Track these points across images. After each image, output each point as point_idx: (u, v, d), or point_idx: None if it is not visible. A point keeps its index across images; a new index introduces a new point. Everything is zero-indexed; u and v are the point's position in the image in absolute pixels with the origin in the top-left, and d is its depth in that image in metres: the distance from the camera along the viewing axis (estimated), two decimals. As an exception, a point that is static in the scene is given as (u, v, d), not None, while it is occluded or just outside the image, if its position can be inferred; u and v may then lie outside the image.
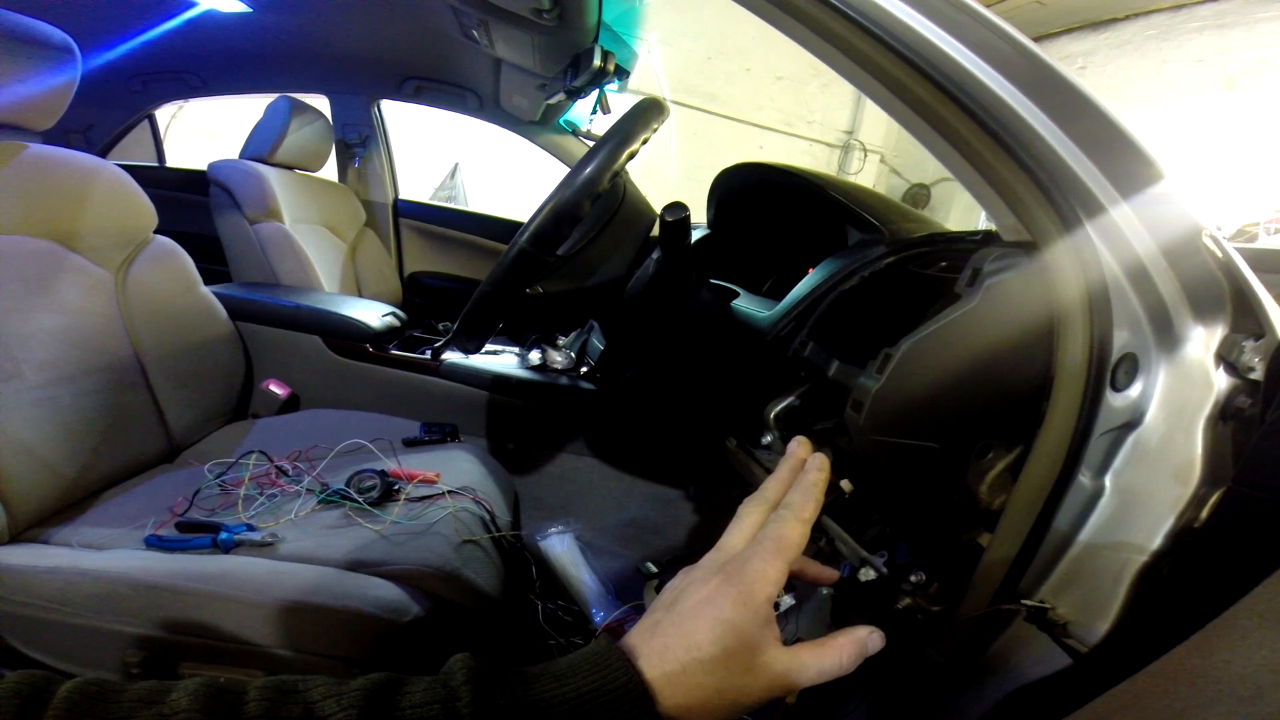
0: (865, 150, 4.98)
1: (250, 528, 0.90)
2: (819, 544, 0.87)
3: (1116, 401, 0.54)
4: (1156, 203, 0.54)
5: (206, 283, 1.30)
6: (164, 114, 2.63)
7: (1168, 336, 0.54)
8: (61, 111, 1.02)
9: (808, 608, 1.00)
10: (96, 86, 2.03)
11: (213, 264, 1.62)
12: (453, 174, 4.31)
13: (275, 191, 1.84)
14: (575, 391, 1.38)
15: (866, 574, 0.75)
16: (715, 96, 4.57)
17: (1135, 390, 0.55)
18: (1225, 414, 0.53)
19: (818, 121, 4.95)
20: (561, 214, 0.75)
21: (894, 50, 0.55)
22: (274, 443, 1.13)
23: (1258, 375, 0.52)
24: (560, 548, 1.27)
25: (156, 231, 1.22)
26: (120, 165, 1.16)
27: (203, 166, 1.92)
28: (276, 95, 1.98)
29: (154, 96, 2.39)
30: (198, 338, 1.24)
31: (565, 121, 2.26)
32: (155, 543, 0.86)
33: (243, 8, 1.90)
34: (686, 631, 0.38)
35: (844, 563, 0.84)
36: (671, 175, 3.05)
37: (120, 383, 1.07)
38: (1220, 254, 0.54)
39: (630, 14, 1.75)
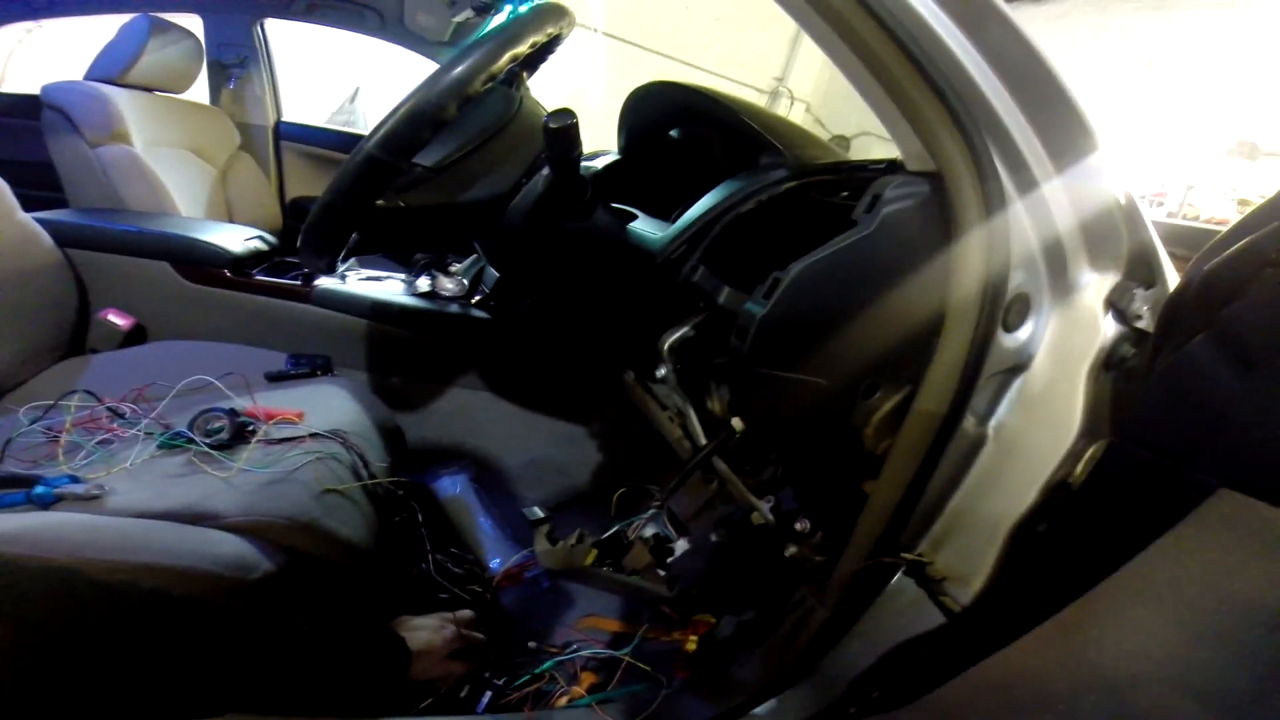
0: (793, 98, 5.02)
1: (74, 479, 0.78)
2: (710, 485, 0.85)
3: (1006, 342, 0.53)
4: (1071, 144, 0.52)
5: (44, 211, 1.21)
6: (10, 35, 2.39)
7: (1062, 279, 0.53)
8: None
9: (704, 555, 1.00)
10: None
11: (49, 192, 1.58)
12: (353, 98, 4.03)
13: (123, 114, 1.75)
14: (468, 321, 1.29)
15: (758, 519, 0.73)
16: (651, 33, 4.45)
17: (1025, 332, 0.54)
18: (1109, 363, 0.53)
19: (749, 65, 4.92)
20: (420, 116, 0.65)
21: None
22: (112, 381, 1.00)
23: (1145, 324, 0.53)
24: (453, 490, 1.20)
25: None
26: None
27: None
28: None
29: None
30: (15, 267, 1.12)
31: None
32: (-48, 501, 0.73)
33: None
34: None
35: (737, 504, 0.83)
36: (597, 111, 2.91)
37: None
38: (1123, 201, 0.53)
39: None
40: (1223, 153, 3.05)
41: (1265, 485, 0.31)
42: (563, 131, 0.69)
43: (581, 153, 0.74)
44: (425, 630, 0.78)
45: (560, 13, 0.82)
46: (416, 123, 0.65)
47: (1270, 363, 0.33)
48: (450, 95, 0.65)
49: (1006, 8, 0.52)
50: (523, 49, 0.74)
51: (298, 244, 0.75)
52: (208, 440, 0.83)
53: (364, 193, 0.68)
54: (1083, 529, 0.45)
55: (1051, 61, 0.52)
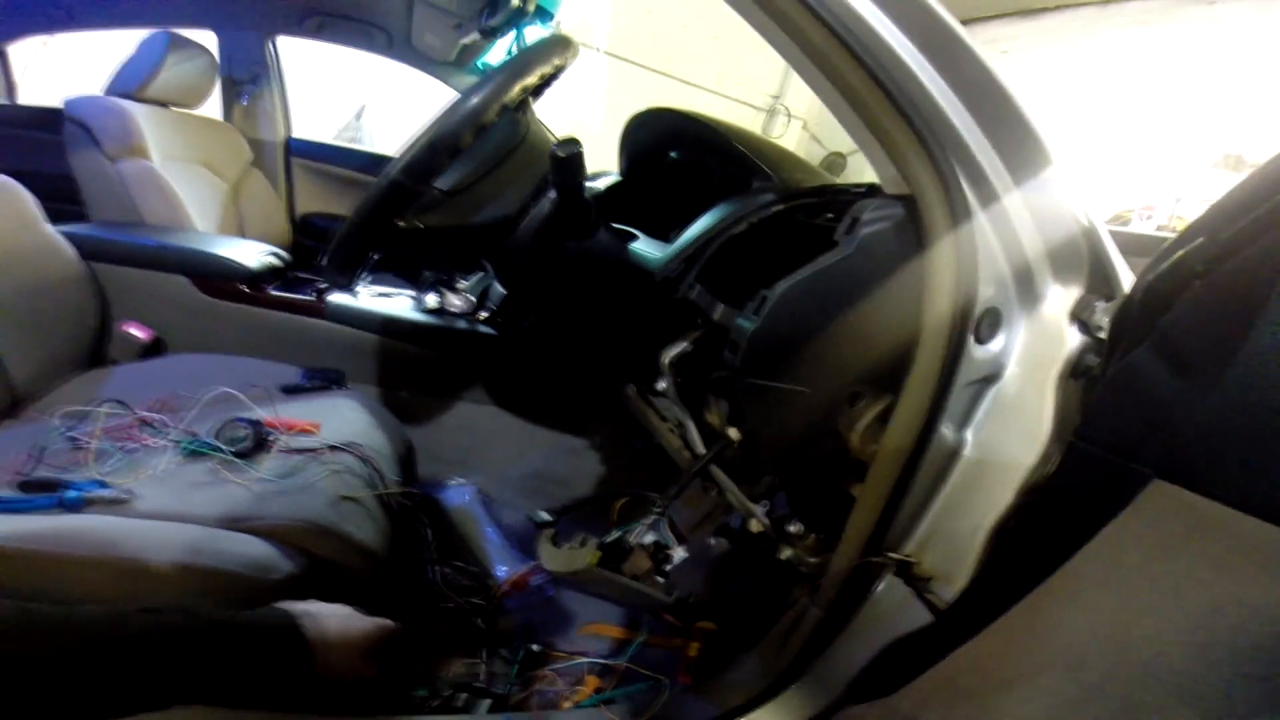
0: (789, 115, 5.05)
1: (102, 484, 0.82)
2: (710, 493, 0.88)
3: (978, 354, 0.56)
4: (1031, 166, 0.56)
5: (64, 224, 1.22)
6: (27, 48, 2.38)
7: (1029, 294, 0.56)
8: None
9: (704, 562, 1.03)
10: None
11: (70, 205, 1.56)
12: (358, 116, 4.08)
13: (142, 128, 1.76)
14: (474, 336, 1.33)
15: (755, 526, 0.77)
16: (650, 51, 4.49)
17: (996, 344, 0.58)
18: (1075, 371, 0.56)
19: (747, 83, 4.96)
20: (439, 144, 0.71)
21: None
22: (134, 391, 1.03)
23: (1105, 334, 0.56)
24: (459, 501, 1.23)
25: (7, 172, 1.13)
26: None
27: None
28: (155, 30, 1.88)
29: (10, 29, 2.18)
30: (39, 279, 1.14)
31: (482, 64, 2.17)
32: (-9, 503, 0.77)
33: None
34: None
35: (735, 513, 0.86)
36: (598, 128, 2.96)
37: (-58, 328, 0.95)
38: (1082, 219, 0.57)
39: (557, -49, 1.68)
40: (1209, 165, 3.08)
41: (1193, 475, 0.35)
42: (569, 160, 0.74)
43: (585, 177, 0.79)
44: (333, 619, 0.69)
45: (565, 44, 0.87)
46: (436, 150, 0.71)
47: (1199, 366, 0.37)
48: (467, 125, 0.71)
49: (968, 36, 0.56)
50: (532, 80, 0.79)
51: (321, 261, 0.80)
52: (231, 448, 0.87)
53: (387, 214, 0.73)
54: (1044, 522, 0.49)
55: (1008, 85, 0.56)
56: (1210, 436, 0.34)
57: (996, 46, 3.99)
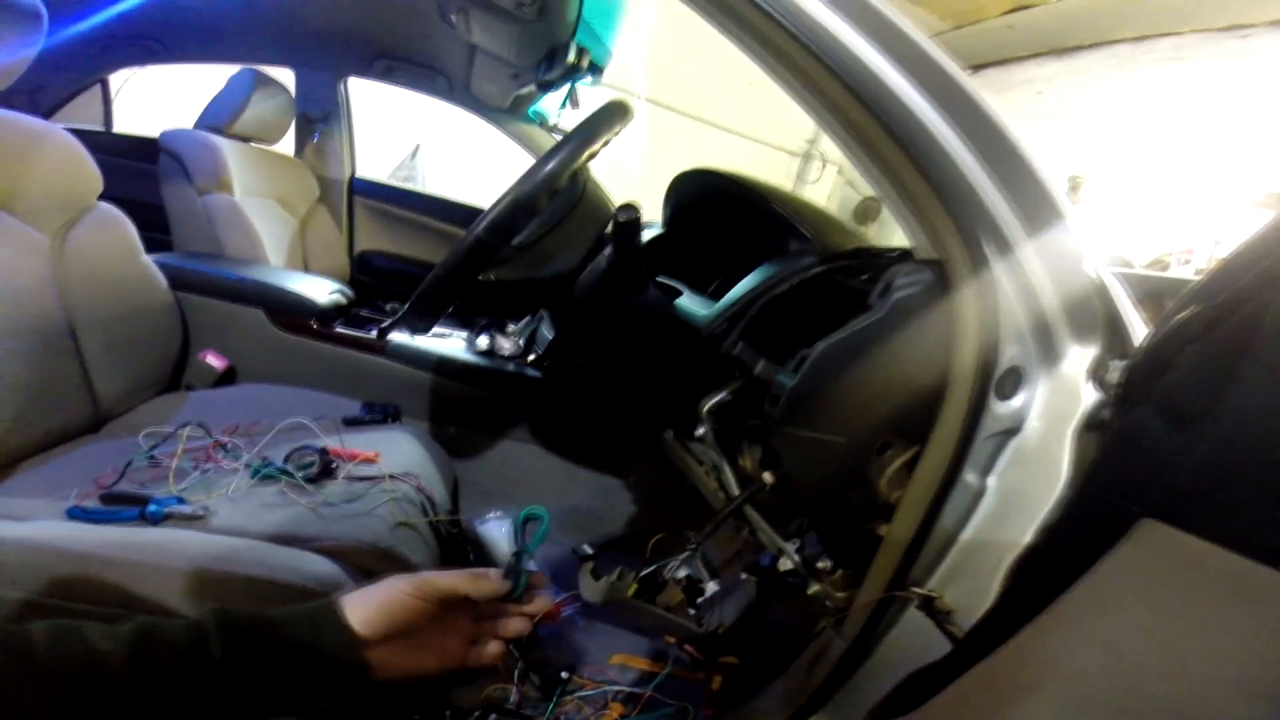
0: (824, 161, 5.09)
1: (180, 500, 0.89)
2: (742, 533, 0.92)
3: (1000, 409, 0.59)
4: (1050, 231, 0.59)
5: (149, 252, 1.27)
6: (116, 78, 2.51)
7: (1049, 352, 0.59)
8: (18, 76, 1.00)
9: (733, 597, 1.06)
10: (49, 47, 1.94)
11: (155, 233, 1.59)
12: (413, 155, 4.23)
13: (228, 163, 1.83)
14: (521, 379, 1.39)
15: (784, 563, 0.80)
16: (687, 97, 4.58)
17: (1018, 400, 0.61)
18: (1091, 424, 0.58)
19: (782, 129, 5.03)
20: (519, 206, 0.78)
21: (830, 67, 0.59)
22: (208, 416, 1.11)
23: (1117, 392, 0.59)
24: (499, 533, 1.28)
25: (101, 198, 1.19)
26: (67, 129, 1.13)
27: (153, 134, 1.90)
28: (240, 66, 1.96)
29: (109, 61, 2.29)
30: (134, 305, 1.22)
31: (534, 112, 2.26)
32: (78, 514, 0.84)
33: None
34: (368, 597, 0.52)
35: (765, 552, 0.89)
36: (638, 171, 3.06)
37: (48, 347, 1.04)
38: (1097, 279, 0.60)
39: (610, 12, 1.76)
40: (1250, 205, 2.97)
41: (1179, 514, 0.39)
42: (628, 224, 0.81)
43: (641, 240, 0.86)
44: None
45: (625, 112, 0.94)
46: (517, 212, 0.79)
47: (1192, 422, 0.40)
48: (543, 189, 0.79)
49: (984, 98, 0.59)
50: (598, 147, 0.87)
51: (404, 309, 0.87)
52: (301, 473, 0.94)
53: (470, 269, 0.81)
54: (1052, 555, 0.52)
55: (1026, 148, 0.59)
56: (1196, 482, 0.38)
57: (1032, 88, 3.95)
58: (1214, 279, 0.45)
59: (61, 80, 2.26)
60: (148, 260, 1.27)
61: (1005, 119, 0.60)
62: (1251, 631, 0.34)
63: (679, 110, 4.64)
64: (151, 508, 0.85)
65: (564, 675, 0.98)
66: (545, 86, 1.91)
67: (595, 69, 1.88)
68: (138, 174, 1.93)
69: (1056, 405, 0.59)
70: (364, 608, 0.51)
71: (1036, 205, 0.59)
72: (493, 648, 0.60)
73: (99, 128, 2.44)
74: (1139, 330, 0.60)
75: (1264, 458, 0.35)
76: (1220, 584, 0.35)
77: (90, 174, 1.16)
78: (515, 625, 0.61)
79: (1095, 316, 0.59)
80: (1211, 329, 0.43)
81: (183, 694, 0.43)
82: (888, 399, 0.63)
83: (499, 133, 2.29)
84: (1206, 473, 0.38)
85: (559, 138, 0.84)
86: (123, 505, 0.87)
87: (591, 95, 2.02)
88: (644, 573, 0.85)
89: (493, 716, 0.87)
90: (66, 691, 0.39)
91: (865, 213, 4.95)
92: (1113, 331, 0.59)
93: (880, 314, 0.61)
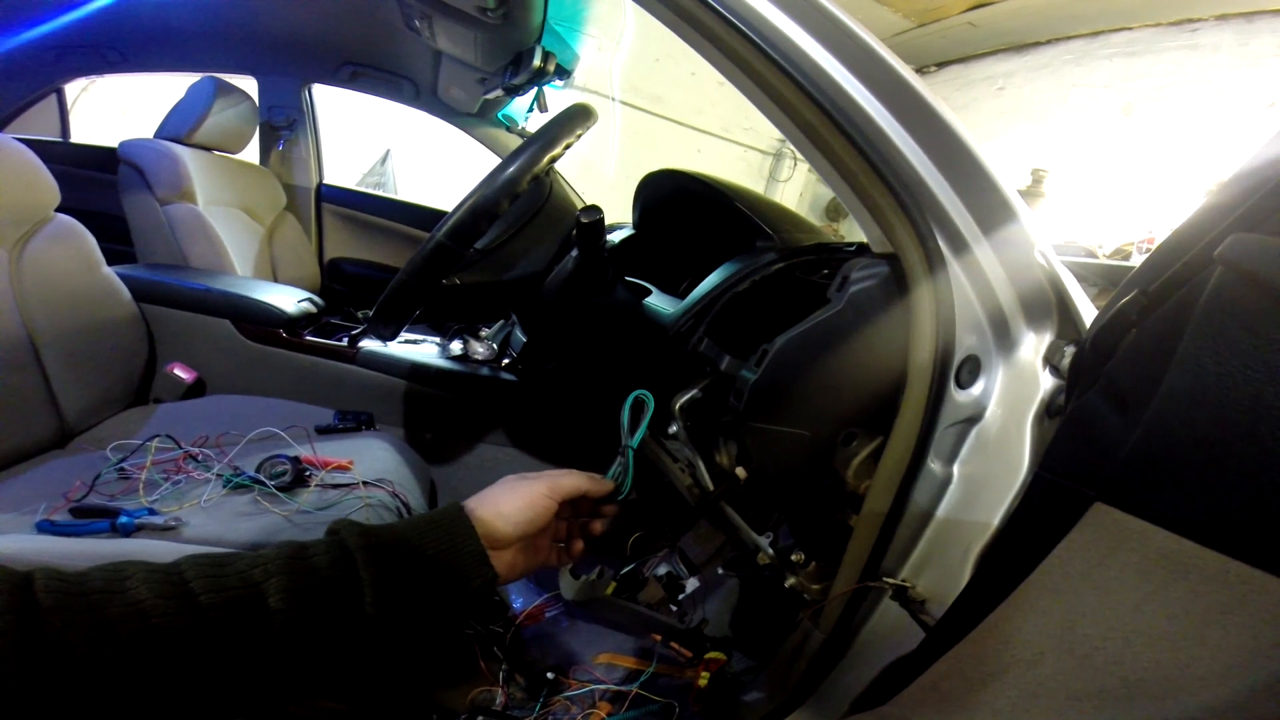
0: (796, 159, 5.15)
1: (152, 512, 0.88)
2: (719, 529, 0.93)
3: (960, 397, 0.61)
4: (1001, 223, 0.61)
5: (110, 264, 1.25)
6: (73, 88, 2.47)
7: (1005, 341, 0.61)
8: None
9: (715, 593, 1.07)
10: (2, 56, 1.92)
11: (117, 244, 1.58)
12: (383, 160, 4.20)
13: (190, 173, 1.81)
14: (496, 382, 1.39)
15: (763, 558, 0.82)
16: (660, 98, 4.59)
17: (977, 388, 0.62)
18: (1049, 411, 0.60)
19: (754, 129, 5.08)
20: (480, 211, 0.79)
21: (784, 70, 0.60)
22: (177, 428, 1.10)
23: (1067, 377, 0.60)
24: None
25: (59, 209, 1.17)
26: (20, 140, 1.11)
27: (112, 144, 1.87)
28: (201, 75, 1.94)
29: (65, 70, 2.26)
30: (97, 319, 1.20)
31: (503, 116, 2.27)
32: (48, 528, 0.83)
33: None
34: (508, 501, 0.53)
35: (744, 547, 0.90)
36: (611, 174, 3.07)
37: (9, 363, 1.02)
38: (1048, 267, 0.62)
39: (575, 16, 1.76)
40: (1203, 193, 3.07)
41: (1124, 497, 0.40)
42: (592, 225, 0.82)
43: (606, 241, 0.87)
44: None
45: (587, 114, 0.95)
46: (478, 216, 0.79)
47: (1134, 405, 0.42)
48: (504, 194, 0.79)
49: (938, 101, 0.61)
50: (559, 151, 0.87)
51: (371, 315, 0.87)
52: (273, 482, 0.94)
53: (433, 274, 0.81)
54: (1014, 541, 0.54)
55: (976, 147, 0.61)
56: (1137, 464, 0.39)
57: (993, 84, 4.04)
58: (1149, 264, 0.47)
59: (14, 89, 2.22)
60: (110, 272, 1.25)
61: (954, 116, 0.62)
62: (1184, 612, 0.35)
63: (652, 112, 4.66)
64: (122, 519, 0.84)
65: (550, 676, 0.98)
66: (512, 91, 1.92)
67: (562, 72, 1.89)
68: (97, 184, 1.93)
69: (1015, 392, 0.60)
70: (505, 508, 0.52)
71: (986, 198, 0.61)
72: (578, 546, 0.63)
73: (55, 138, 2.39)
74: (1091, 316, 0.62)
75: (1191, 438, 0.36)
76: (1160, 565, 0.37)
77: (46, 185, 1.14)
78: (599, 525, 0.63)
79: (1048, 304, 0.61)
80: (1147, 313, 0.45)
81: (335, 621, 0.42)
82: (849, 390, 0.65)
83: (468, 137, 2.29)
84: (1142, 454, 0.39)
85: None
86: (93, 518, 0.85)
87: (561, 98, 2.03)
88: (624, 571, 0.85)
89: (479, 719, 0.87)
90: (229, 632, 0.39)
91: (837, 209, 5.02)
92: (1065, 318, 0.61)
93: (837, 307, 0.63)
